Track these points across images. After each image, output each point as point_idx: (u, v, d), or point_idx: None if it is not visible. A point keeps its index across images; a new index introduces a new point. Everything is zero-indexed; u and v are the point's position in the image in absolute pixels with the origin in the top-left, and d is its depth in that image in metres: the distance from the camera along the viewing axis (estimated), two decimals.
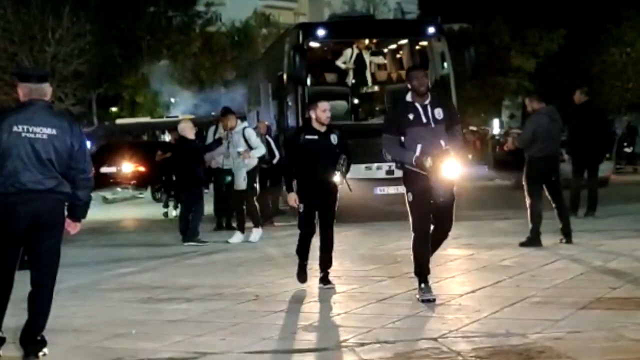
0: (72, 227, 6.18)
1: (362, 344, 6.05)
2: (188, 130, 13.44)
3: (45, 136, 5.93)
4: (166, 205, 18.64)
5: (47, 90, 6.15)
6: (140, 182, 24.57)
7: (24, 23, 28.49)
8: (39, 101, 6.06)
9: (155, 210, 19.77)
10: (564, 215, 11.10)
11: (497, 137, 36.81)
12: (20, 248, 6.14)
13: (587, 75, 34.47)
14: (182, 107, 36.80)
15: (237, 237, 12.94)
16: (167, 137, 32.53)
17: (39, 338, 6.01)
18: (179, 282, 9.42)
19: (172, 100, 39.77)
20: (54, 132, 5.96)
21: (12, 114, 6.05)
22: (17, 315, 6.20)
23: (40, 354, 5.97)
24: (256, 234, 12.91)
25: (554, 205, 11.02)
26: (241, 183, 12.86)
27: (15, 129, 5.89)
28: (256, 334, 6.50)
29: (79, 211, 6.18)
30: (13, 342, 6.11)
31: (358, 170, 14.75)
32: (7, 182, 5.88)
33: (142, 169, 24.46)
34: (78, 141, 6.07)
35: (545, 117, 11.01)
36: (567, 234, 11.01)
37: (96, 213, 20.93)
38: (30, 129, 5.91)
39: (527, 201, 10.93)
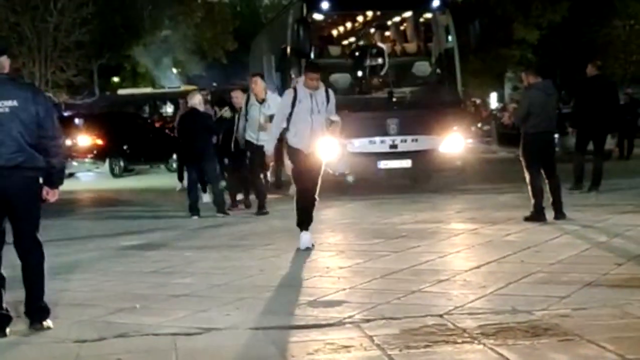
0: (50, 195, 6.15)
1: (368, 320, 6.03)
2: (198, 102, 13.31)
3: (7, 109, 5.86)
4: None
5: (4, 63, 6.05)
6: (98, 155, 24.08)
7: None
8: None
9: (142, 182, 19.53)
10: (556, 191, 11.00)
11: (494, 112, 36.71)
12: (3, 225, 6.10)
13: (591, 48, 34.26)
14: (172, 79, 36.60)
15: None
16: (168, 108, 32.47)
17: (42, 305, 6.06)
18: (183, 255, 9.41)
19: (174, 70, 39.66)
20: (15, 103, 5.88)
21: None
22: (14, 288, 6.21)
23: (45, 324, 6.00)
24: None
25: (546, 180, 10.93)
26: None
27: None
28: (261, 310, 6.49)
29: (55, 178, 6.15)
30: (18, 316, 6.12)
31: (362, 143, 14.79)
32: None
33: (99, 142, 23.99)
34: (44, 109, 6.00)
35: (540, 92, 10.91)
36: (557, 209, 10.93)
37: (101, 184, 21.03)
38: None
39: (527, 177, 10.88)
